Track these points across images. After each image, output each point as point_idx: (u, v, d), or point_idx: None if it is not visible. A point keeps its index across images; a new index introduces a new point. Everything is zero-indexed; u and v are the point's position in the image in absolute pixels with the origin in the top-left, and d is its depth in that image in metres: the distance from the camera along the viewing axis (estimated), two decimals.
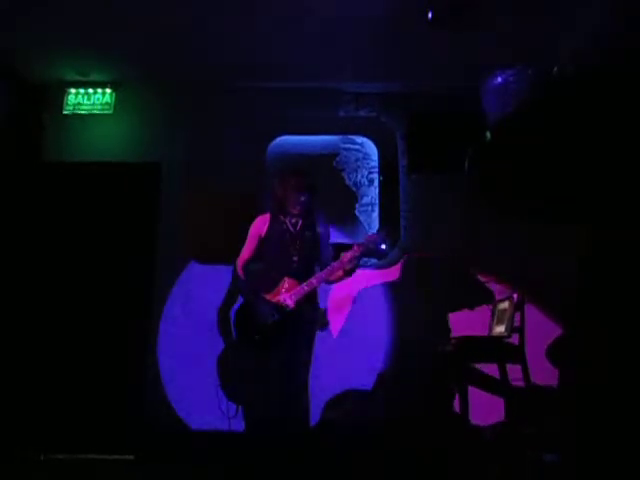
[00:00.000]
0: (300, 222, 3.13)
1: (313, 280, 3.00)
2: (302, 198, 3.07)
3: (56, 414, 4.22)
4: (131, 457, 4.00)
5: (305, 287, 2.98)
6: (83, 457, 3.98)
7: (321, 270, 3.09)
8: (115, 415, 4.22)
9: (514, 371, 3.76)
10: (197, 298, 4.48)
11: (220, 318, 4.27)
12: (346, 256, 2.99)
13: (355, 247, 3.02)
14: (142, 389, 4.33)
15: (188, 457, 3.91)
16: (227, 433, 3.89)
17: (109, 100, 4.86)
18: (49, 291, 4.48)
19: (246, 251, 3.23)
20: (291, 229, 3.11)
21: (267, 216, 3.20)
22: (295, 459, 2.87)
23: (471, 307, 4.38)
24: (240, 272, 3.22)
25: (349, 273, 3.08)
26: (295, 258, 3.05)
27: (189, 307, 4.48)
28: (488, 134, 4.58)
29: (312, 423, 3.26)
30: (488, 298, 4.34)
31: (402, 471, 3.32)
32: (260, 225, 3.19)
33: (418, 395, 4.21)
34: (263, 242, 3.17)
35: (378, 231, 3.43)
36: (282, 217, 3.14)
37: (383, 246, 4.37)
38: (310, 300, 3.09)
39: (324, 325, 4.16)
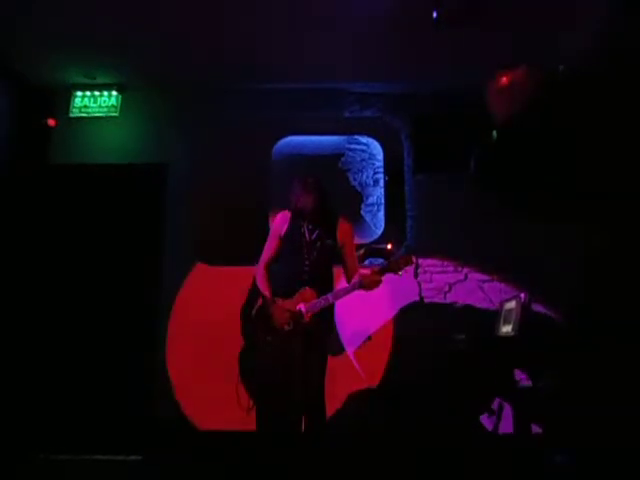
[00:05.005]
0: (317, 231, 3.08)
1: (329, 296, 2.97)
2: (309, 198, 3.06)
3: (64, 415, 4.24)
4: (139, 458, 4.02)
5: (322, 301, 2.96)
6: (91, 458, 3.99)
7: (347, 283, 3.07)
8: (123, 416, 4.24)
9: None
10: (205, 299, 4.50)
11: (242, 316, 4.22)
12: (366, 276, 2.95)
13: (374, 269, 2.97)
14: (150, 389, 4.34)
15: (196, 457, 3.92)
16: (235, 433, 3.90)
17: (115, 103, 4.88)
18: (56, 291, 4.50)
19: (267, 250, 3.18)
20: (307, 236, 3.08)
21: (288, 215, 3.16)
22: (304, 459, 2.87)
23: None
24: (261, 273, 3.15)
25: (368, 290, 3.01)
26: (307, 267, 3.02)
27: (197, 308, 4.49)
28: (495, 134, 4.60)
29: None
30: None
31: (408, 470, 3.32)
32: (280, 224, 3.15)
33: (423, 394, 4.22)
34: (282, 242, 3.14)
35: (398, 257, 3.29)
36: (301, 222, 3.11)
37: (389, 246, 4.38)
38: (326, 318, 3.03)
39: (334, 350, 4.13)
